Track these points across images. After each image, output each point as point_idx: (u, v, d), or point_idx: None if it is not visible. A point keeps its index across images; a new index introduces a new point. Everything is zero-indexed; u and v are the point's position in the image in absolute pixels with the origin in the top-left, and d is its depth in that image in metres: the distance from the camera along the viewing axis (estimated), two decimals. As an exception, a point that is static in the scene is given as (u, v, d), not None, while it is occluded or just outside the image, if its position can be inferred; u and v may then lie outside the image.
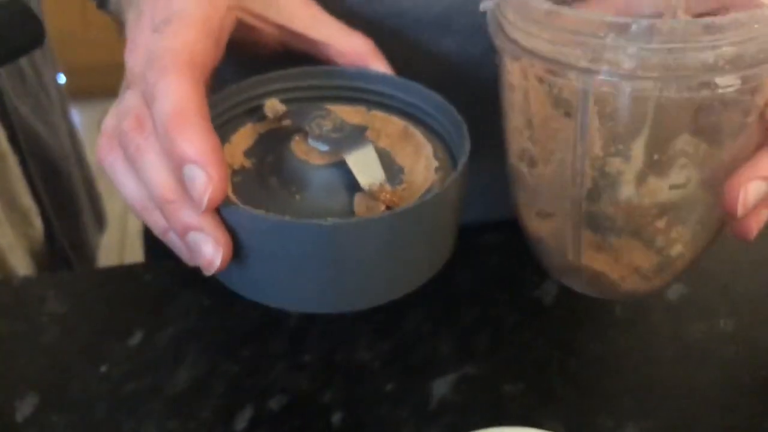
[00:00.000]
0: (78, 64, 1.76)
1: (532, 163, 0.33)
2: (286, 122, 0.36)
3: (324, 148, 0.32)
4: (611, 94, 0.28)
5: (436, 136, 0.36)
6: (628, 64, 0.27)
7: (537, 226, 0.36)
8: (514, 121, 0.33)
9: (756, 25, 0.27)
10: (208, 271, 0.30)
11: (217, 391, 0.39)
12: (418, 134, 0.36)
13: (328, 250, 0.30)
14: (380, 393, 0.39)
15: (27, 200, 0.76)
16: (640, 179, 0.31)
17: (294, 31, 0.36)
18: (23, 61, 0.84)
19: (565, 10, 0.29)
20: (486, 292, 0.45)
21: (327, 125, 0.33)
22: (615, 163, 0.30)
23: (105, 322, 0.43)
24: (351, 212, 0.32)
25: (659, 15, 0.33)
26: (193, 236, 0.29)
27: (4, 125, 0.74)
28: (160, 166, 0.29)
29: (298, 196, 0.32)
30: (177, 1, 0.32)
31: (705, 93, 0.28)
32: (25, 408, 0.39)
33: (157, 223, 0.31)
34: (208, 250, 0.29)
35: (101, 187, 1.10)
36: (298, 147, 0.33)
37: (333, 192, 0.32)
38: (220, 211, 0.30)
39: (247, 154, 0.35)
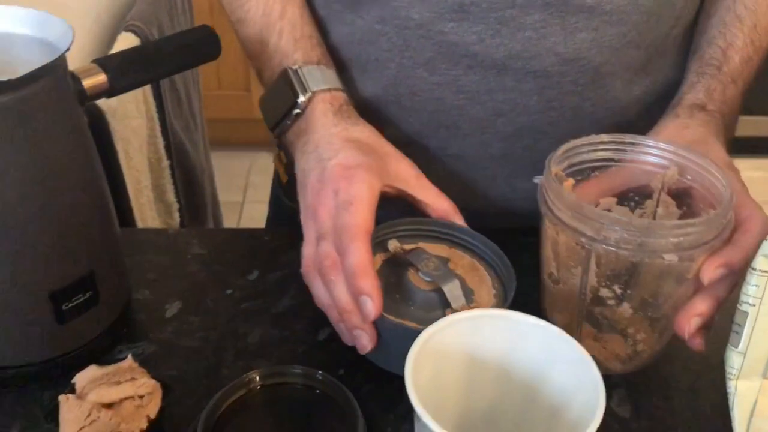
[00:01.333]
0: (211, 116, 1.98)
1: (555, 281, 0.50)
2: (401, 254, 0.53)
3: (428, 279, 0.50)
4: (604, 254, 0.46)
5: (494, 272, 0.53)
6: (614, 240, 0.44)
7: (556, 321, 0.51)
8: (546, 254, 0.49)
9: (689, 229, 0.44)
10: (362, 352, 0.48)
11: (308, 314, 0.53)
12: (481, 269, 0.53)
13: None
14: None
15: (171, 197, 0.95)
16: (618, 304, 0.48)
17: (409, 193, 0.55)
18: (181, 88, 1.05)
19: (583, 204, 0.45)
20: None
21: (431, 265, 0.50)
22: (604, 292, 0.47)
23: (232, 262, 0.59)
24: None
25: (649, 189, 0.51)
26: (357, 332, 0.48)
27: (164, 136, 0.93)
28: (344, 292, 0.48)
29: (412, 308, 0.50)
30: (354, 188, 0.50)
31: (658, 262, 0.45)
32: (172, 309, 0.54)
33: (334, 317, 0.50)
34: (365, 342, 0.48)
35: (223, 210, 1.30)
36: (413, 277, 0.51)
37: (433, 307, 0.49)
38: None
39: (378, 274, 0.51)
